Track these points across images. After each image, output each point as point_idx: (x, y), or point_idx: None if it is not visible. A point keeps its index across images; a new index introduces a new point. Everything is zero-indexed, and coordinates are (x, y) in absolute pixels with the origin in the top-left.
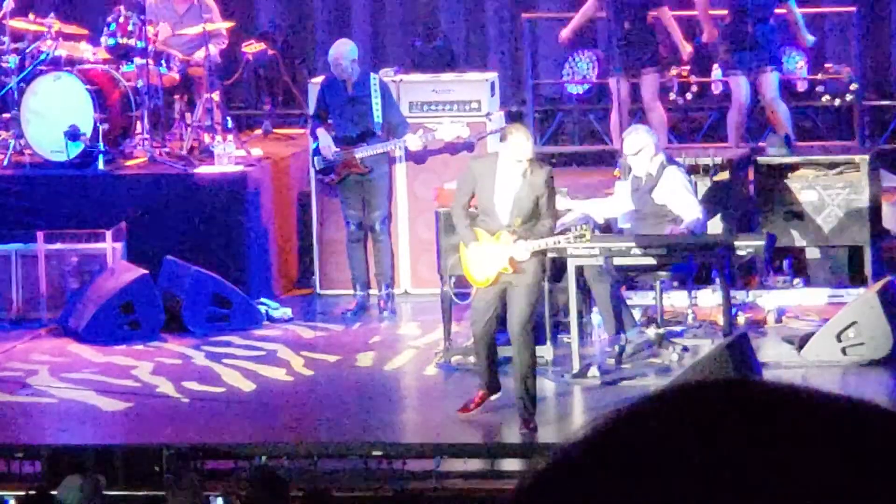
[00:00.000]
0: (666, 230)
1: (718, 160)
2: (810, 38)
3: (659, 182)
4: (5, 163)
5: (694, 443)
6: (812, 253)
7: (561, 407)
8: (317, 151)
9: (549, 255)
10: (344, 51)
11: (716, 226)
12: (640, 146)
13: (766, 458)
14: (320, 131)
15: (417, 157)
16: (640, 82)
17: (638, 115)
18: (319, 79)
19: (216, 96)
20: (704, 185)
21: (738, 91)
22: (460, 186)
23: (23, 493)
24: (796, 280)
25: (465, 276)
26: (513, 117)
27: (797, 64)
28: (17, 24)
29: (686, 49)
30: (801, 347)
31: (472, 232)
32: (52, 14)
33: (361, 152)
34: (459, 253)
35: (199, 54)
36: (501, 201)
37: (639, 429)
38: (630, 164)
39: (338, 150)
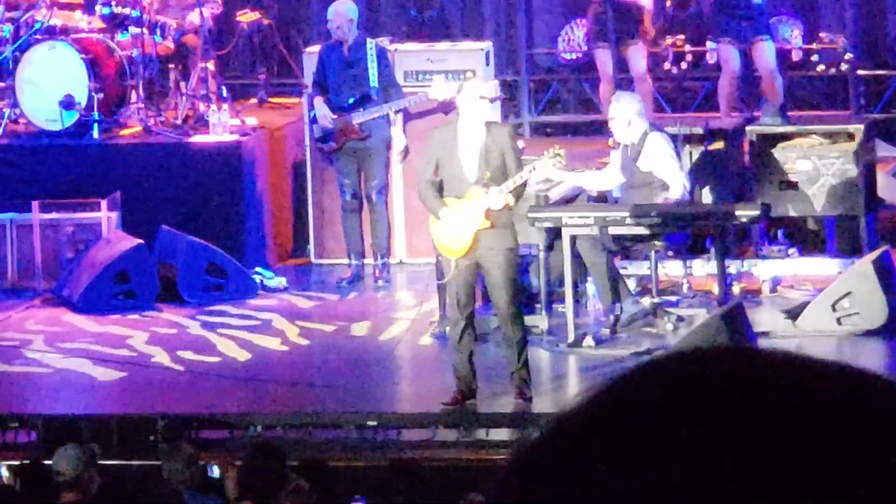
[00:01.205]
0: (658, 199)
1: (713, 130)
2: None
3: (643, 150)
4: (0, 132)
5: (693, 419)
6: (807, 223)
7: (556, 376)
8: (314, 120)
9: (545, 224)
10: (342, 9)
11: (709, 195)
12: (615, 113)
13: (767, 444)
14: (317, 100)
15: (413, 127)
16: (627, 55)
17: (628, 85)
18: (315, 48)
19: (211, 65)
20: (699, 153)
21: (729, 60)
22: (423, 160)
23: (18, 462)
24: (791, 249)
25: (442, 251)
26: (506, 87)
27: (792, 33)
28: None
29: (650, 32)
30: (796, 317)
31: (441, 201)
32: None
33: (358, 117)
34: (430, 230)
35: (193, 17)
36: (467, 160)
37: (636, 399)
38: (613, 132)
39: (335, 117)
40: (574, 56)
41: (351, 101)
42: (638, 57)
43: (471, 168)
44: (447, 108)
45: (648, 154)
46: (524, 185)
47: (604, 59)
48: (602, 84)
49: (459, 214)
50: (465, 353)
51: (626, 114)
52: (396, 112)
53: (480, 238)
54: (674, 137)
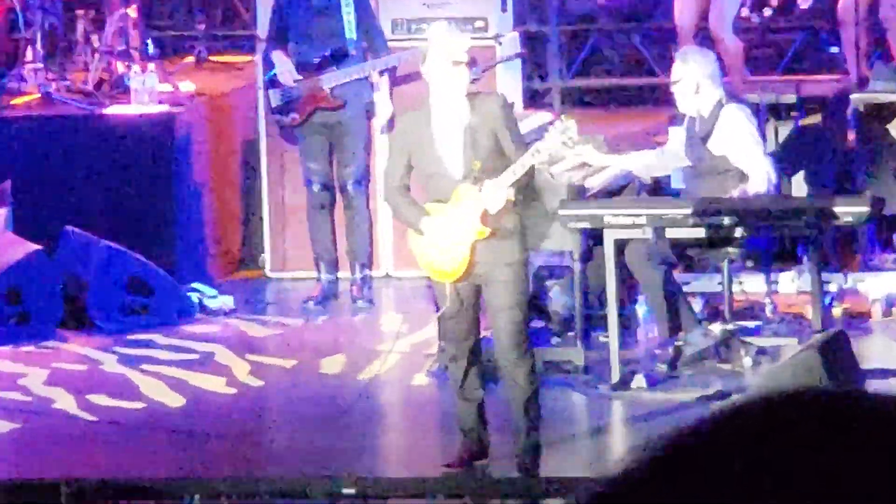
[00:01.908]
0: (734, 192)
1: (806, 99)
2: None
3: (715, 126)
4: None
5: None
6: None
7: (595, 429)
8: (272, 83)
9: (581, 224)
10: None
11: (802, 187)
12: (680, 74)
13: None
14: (277, 55)
15: (403, 93)
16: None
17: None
18: None
19: (132, 11)
20: (787, 130)
21: None
22: (391, 156)
23: None
24: None
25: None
26: (528, 42)
27: None
28: None
29: None
30: None
31: (420, 209)
32: None
33: (331, 80)
34: (411, 247)
35: None
36: (448, 151)
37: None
38: (676, 101)
39: (300, 77)
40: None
41: (318, 58)
42: (724, 4)
43: (454, 160)
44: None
45: (723, 132)
46: (530, 173)
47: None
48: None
49: (447, 224)
50: (472, 399)
51: (693, 76)
52: (381, 73)
53: (479, 255)
54: (754, 109)
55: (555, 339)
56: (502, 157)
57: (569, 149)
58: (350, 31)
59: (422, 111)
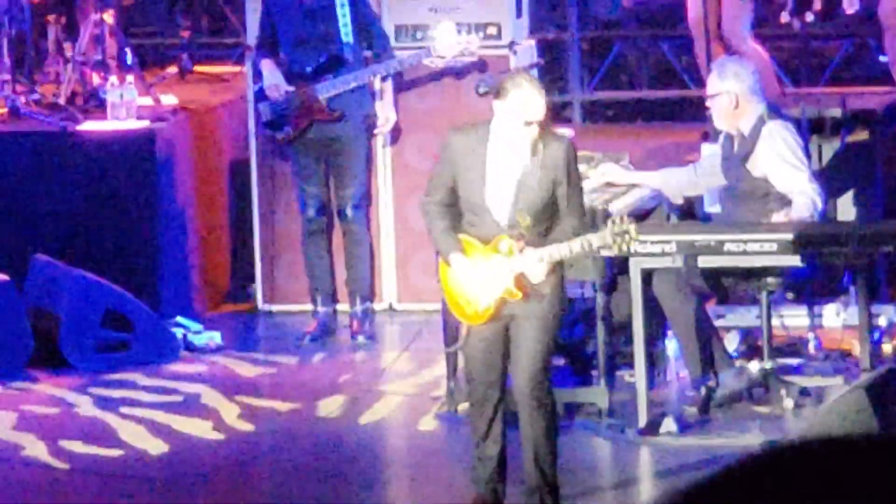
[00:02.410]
0: (774, 216)
1: (854, 113)
2: None
3: (757, 145)
4: None
5: None
6: None
7: (621, 478)
8: (261, 95)
9: (603, 251)
10: None
11: (849, 210)
12: (717, 87)
13: None
14: (266, 64)
15: (408, 106)
16: (723, 5)
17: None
18: None
19: (109, 17)
20: (832, 148)
21: (893, 2)
22: (436, 170)
23: None
24: None
25: (452, 309)
26: (546, 50)
27: None
28: None
29: None
30: None
31: (456, 240)
32: None
33: (327, 89)
34: (440, 275)
35: None
36: (498, 191)
37: None
38: (713, 117)
39: (292, 88)
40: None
41: (313, 66)
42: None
43: (502, 204)
44: (462, 72)
45: (764, 152)
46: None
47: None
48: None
49: (481, 271)
50: (492, 449)
51: (732, 90)
52: (384, 79)
53: (508, 303)
54: (796, 124)
55: (576, 379)
56: (554, 209)
57: (620, 170)
58: (347, 35)
59: (479, 129)
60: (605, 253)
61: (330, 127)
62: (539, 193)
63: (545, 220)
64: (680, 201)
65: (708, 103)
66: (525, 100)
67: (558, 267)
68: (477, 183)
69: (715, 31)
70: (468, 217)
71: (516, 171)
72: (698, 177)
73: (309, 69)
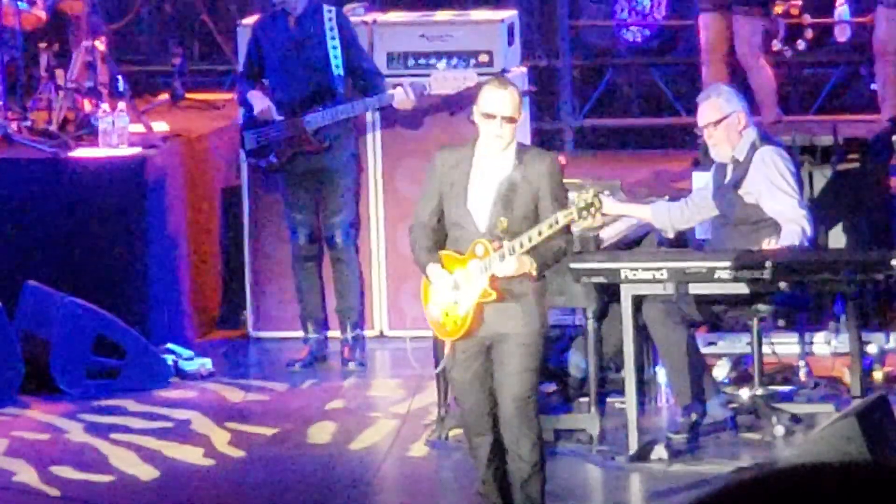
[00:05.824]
0: (766, 243)
1: (846, 141)
2: None
3: (749, 172)
4: None
5: None
6: None
7: (611, 502)
8: (248, 123)
9: (595, 279)
10: None
11: (839, 238)
12: (712, 116)
13: None
14: (254, 95)
15: (399, 134)
16: (734, 27)
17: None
18: (253, 18)
19: (101, 44)
20: (823, 176)
21: (887, 31)
22: (423, 188)
23: None
24: None
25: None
26: (538, 78)
27: None
28: None
29: None
30: None
31: (434, 255)
32: None
33: (315, 121)
34: (422, 294)
35: None
36: (479, 202)
37: None
38: (707, 143)
39: (279, 118)
40: (638, 35)
41: (297, 96)
42: (748, 31)
43: (482, 213)
44: (455, 105)
45: (756, 179)
46: (557, 250)
47: (718, 28)
48: (707, 67)
49: (454, 279)
50: (493, 474)
51: (737, 109)
52: (375, 111)
53: (486, 315)
54: (787, 150)
55: (565, 406)
56: (535, 222)
57: (607, 202)
58: (338, 68)
59: (464, 149)
60: (574, 227)
61: (317, 157)
62: (518, 201)
63: (524, 230)
64: (671, 235)
65: (709, 131)
66: (487, 92)
67: (539, 286)
68: (460, 196)
69: (724, 54)
70: (453, 233)
71: (499, 183)
72: (690, 211)
73: (296, 98)
